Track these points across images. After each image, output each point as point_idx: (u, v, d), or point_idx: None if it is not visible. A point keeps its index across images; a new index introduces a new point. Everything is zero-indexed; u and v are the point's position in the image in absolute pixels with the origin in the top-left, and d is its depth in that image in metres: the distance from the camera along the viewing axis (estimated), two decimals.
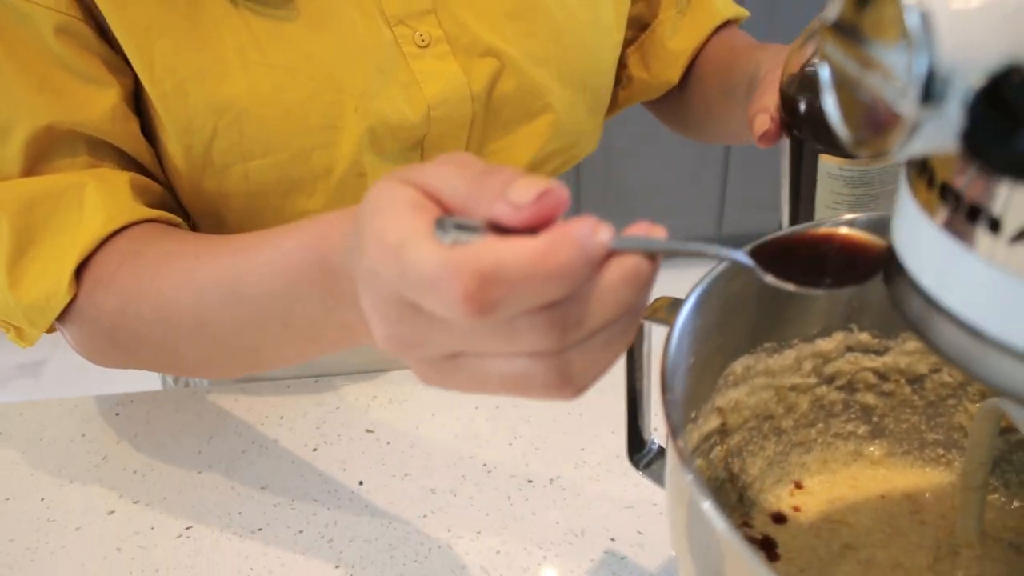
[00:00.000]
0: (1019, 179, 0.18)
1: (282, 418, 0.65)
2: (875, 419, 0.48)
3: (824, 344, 0.44)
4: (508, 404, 0.66)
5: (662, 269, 0.30)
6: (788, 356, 0.44)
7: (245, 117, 0.56)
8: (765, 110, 0.55)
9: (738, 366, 0.42)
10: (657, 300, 0.39)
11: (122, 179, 0.55)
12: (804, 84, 0.50)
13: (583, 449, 0.62)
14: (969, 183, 0.23)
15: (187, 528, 0.57)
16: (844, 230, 0.31)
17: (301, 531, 0.57)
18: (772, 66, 0.58)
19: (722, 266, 0.38)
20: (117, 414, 0.67)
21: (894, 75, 0.20)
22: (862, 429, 0.48)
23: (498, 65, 0.62)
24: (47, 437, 0.66)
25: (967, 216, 0.23)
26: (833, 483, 0.47)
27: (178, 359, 0.54)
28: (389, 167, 0.61)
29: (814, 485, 0.47)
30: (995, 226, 0.23)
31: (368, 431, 0.64)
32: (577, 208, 2.22)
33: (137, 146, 0.57)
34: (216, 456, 0.63)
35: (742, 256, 0.31)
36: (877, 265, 0.30)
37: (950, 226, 0.24)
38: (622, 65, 0.75)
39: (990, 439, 0.40)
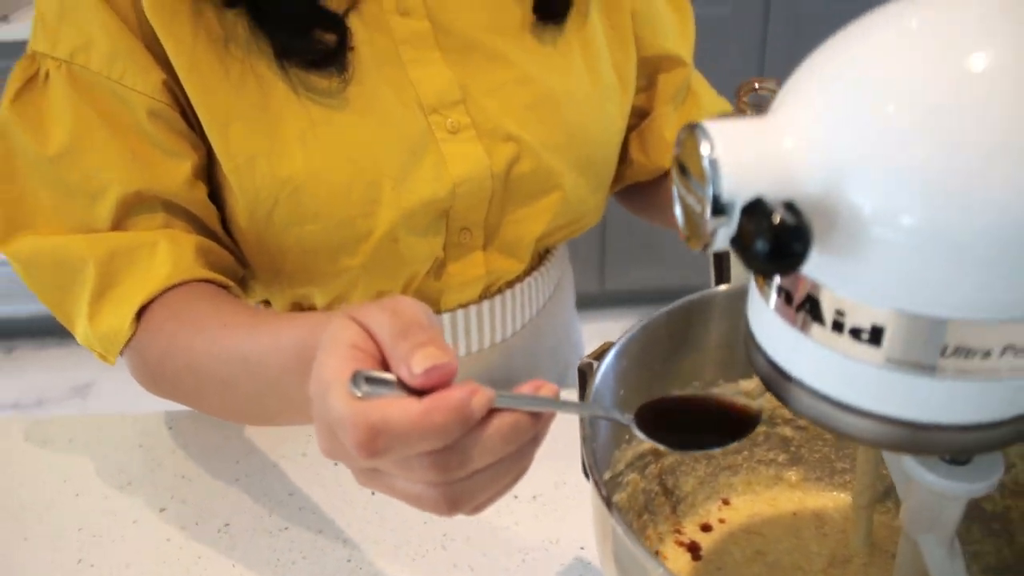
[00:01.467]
0: (764, 275, 0.29)
1: (309, 436, 0.76)
2: (792, 449, 0.57)
3: (746, 384, 0.54)
4: None
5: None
6: (727, 389, 0.54)
7: (302, 190, 0.65)
8: None
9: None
10: (601, 345, 0.49)
11: (189, 241, 0.65)
12: None
13: (563, 471, 0.72)
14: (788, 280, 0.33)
15: (225, 524, 0.68)
16: (721, 395, 0.41)
17: (320, 531, 0.67)
18: None
19: (653, 315, 0.49)
20: (170, 428, 0.79)
21: (701, 197, 0.30)
22: (782, 457, 0.58)
23: (516, 149, 0.71)
24: (111, 445, 0.77)
25: (792, 304, 0.34)
26: (755, 501, 0.57)
27: (207, 407, 0.64)
28: (418, 235, 0.70)
29: (739, 502, 0.57)
30: (816, 315, 0.33)
31: None
32: (602, 250, 2.30)
33: (205, 210, 0.67)
34: (251, 466, 0.74)
35: (622, 417, 0.40)
36: (750, 426, 0.39)
37: (780, 311, 0.34)
38: (624, 148, 0.83)
39: (873, 468, 0.50)
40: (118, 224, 0.64)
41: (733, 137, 0.30)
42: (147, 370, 0.64)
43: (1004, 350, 0.30)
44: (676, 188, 0.33)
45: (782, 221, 0.27)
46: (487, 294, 0.79)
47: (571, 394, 0.68)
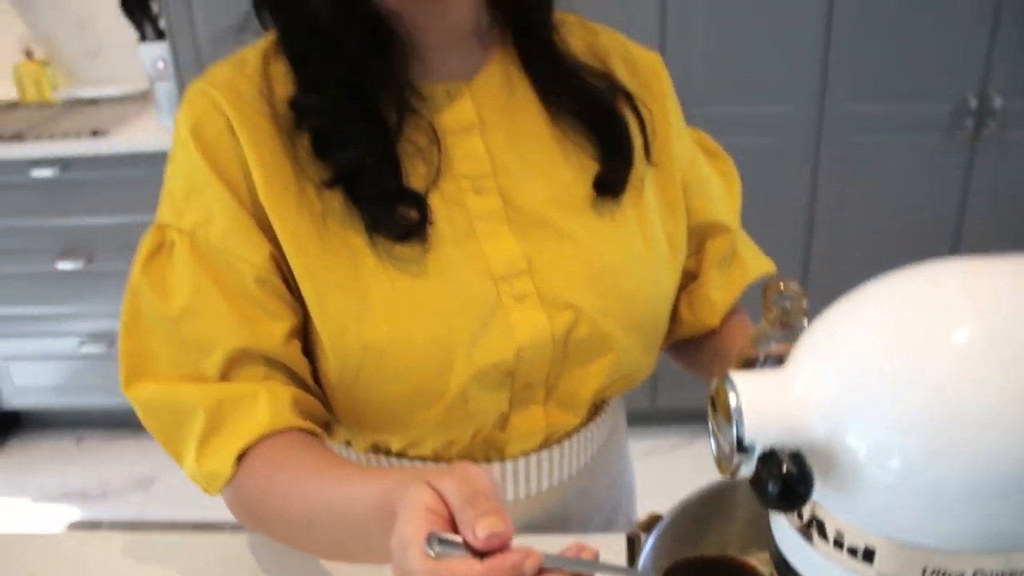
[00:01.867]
0: (779, 511, 0.36)
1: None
2: None
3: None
4: None
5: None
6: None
7: (385, 354, 0.74)
8: None
9: None
10: (648, 516, 0.56)
11: (286, 393, 0.73)
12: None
13: None
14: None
15: None
16: (739, 558, 0.48)
17: None
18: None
19: (692, 495, 0.56)
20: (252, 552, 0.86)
21: (728, 437, 0.38)
22: None
23: (575, 316, 0.78)
24: (194, 567, 0.84)
25: (803, 520, 0.41)
26: None
27: (294, 543, 0.72)
28: (486, 394, 0.77)
29: None
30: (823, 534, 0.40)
31: None
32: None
33: (300, 364, 0.76)
34: None
35: None
36: None
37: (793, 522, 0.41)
38: (674, 307, 0.90)
39: None
40: (225, 375, 0.72)
41: (755, 389, 0.37)
42: (244, 508, 0.72)
43: (974, 573, 0.37)
44: (710, 422, 0.40)
45: (789, 471, 0.35)
46: (547, 444, 0.85)
47: (617, 539, 0.74)
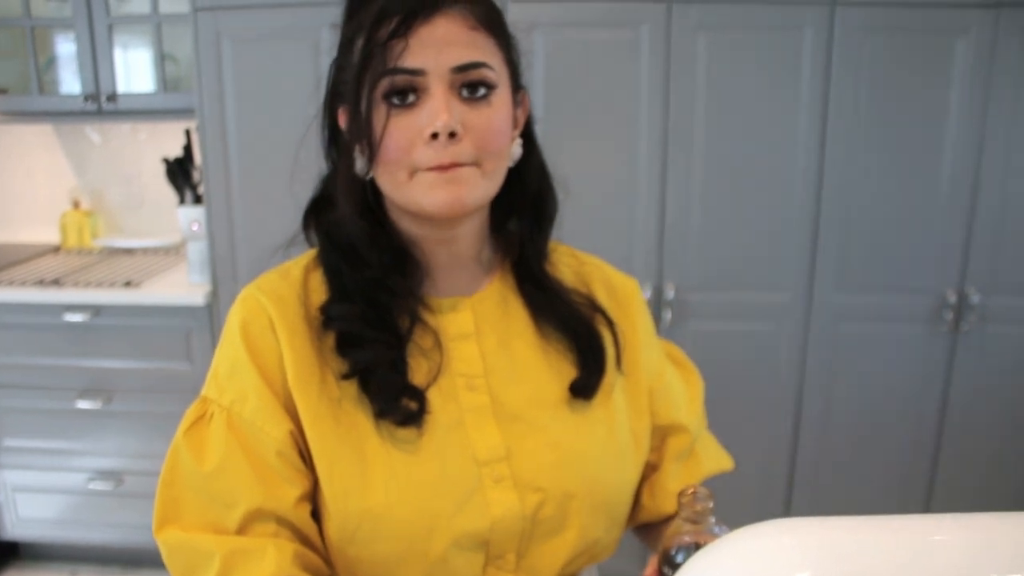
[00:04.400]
0: None
1: None
2: None
3: None
4: None
5: None
6: None
7: (380, 519, 0.85)
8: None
9: None
10: None
11: (290, 549, 0.84)
12: (666, 559, 0.80)
13: None
14: None
15: None
16: None
17: None
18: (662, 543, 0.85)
19: None
20: None
21: None
22: None
23: (542, 498, 0.90)
24: None
25: None
26: None
27: None
28: (463, 558, 0.88)
29: None
30: None
31: None
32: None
33: (307, 525, 0.87)
34: None
35: None
36: None
37: None
38: (637, 494, 1.03)
39: None
40: (242, 529, 0.84)
41: None
42: None
43: None
44: None
45: None
46: None
47: None
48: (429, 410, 0.88)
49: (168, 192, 2.82)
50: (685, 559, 0.74)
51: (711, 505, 0.79)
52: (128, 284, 2.44)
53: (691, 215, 2.23)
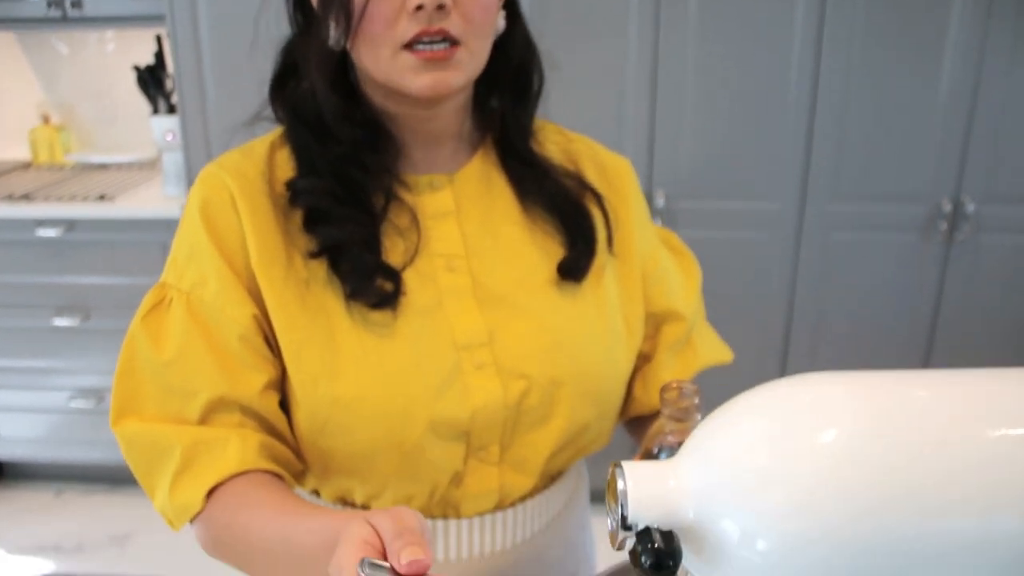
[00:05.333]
0: None
1: None
2: None
3: None
4: None
5: None
6: None
7: (351, 406, 0.81)
8: None
9: None
10: None
11: (255, 439, 0.80)
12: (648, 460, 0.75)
13: None
14: None
15: None
16: None
17: None
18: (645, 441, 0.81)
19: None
20: None
21: (615, 514, 0.43)
22: None
23: (527, 385, 0.85)
24: None
25: None
26: None
27: (253, 571, 0.77)
28: (442, 449, 0.84)
29: None
30: None
31: None
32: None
33: (274, 415, 0.83)
34: None
35: None
36: None
37: None
38: (629, 385, 0.97)
39: None
40: (204, 419, 0.80)
41: (639, 478, 0.43)
42: (210, 538, 0.78)
43: None
44: (607, 501, 0.46)
45: (659, 546, 0.40)
46: (501, 506, 0.91)
47: None
48: (405, 292, 0.83)
49: (141, 104, 2.72)
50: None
51: (697, 402, 0.73)
52: (102, 198, 2.37)
53: (682, 121, 2.17)
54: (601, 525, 1.17)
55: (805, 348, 2.35)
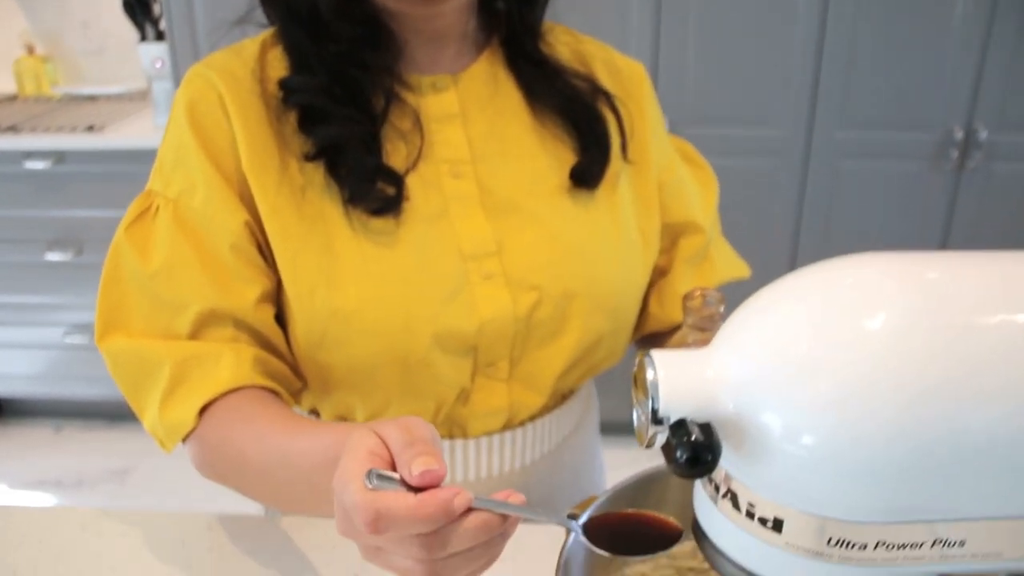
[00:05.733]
0: (687, 477, 0.38)
1: (334, 548, 0.84)
2: None
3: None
4: (506, 557, 0.84)
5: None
6: (687, 546, 0.62)
7: (351, 318, 0.77)
8: None
9: None
10: (588, 499, 0.58)
11: (249, 354, 0.76)
12: None
13: None
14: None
15: None
16: (655, 513, 0.51)
17: None
18: None
19: (623, 481, 0.57)
20: (209, 529, 0.88)
21: (645, 410, 0.40)
22: None
23: (538, 296, 0.81)
24: (155, 540, 0.86)
25: (719, 493, 0.43)
26: None
27: (250, 492, 0.75)
28: (448, 364, 0.80)
29: None
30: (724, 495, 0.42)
31: None
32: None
33: (270, 329, 0.79)
34: (279, 571, 0.82)
35: (575, 527, 0.51)
36: (674, 539, 0.49)
37: (711, 496, 0.43)
38: (644, 300, 0.93)
39: None
40: (194, 334, 0.76)
41: (672, 366, 0.39)
42: (204, 457, 0.75)
43: (877, 544, 0.38)
44: (632, 396, 0.42)
45: (696, 439, 0.37)
46: (510, 425, 0.87)
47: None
48: (407, 197, 0.78)
49: (129, 33, 2.64)
50: None
51: (722, 310, 0.69)
52: (91, 128, 2.30)
53: (687, 45, 2.10)
54: (620, 456, 1.15)
55: None
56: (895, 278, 0.40)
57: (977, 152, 2.16)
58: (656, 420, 0.38)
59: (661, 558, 0.62)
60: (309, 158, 0.77)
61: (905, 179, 2.22)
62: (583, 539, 0.50)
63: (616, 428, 1.40)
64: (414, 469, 0.49)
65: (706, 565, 0.63)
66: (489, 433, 0.86)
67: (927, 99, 2.14)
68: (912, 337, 0.37)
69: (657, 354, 0.39)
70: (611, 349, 0.89)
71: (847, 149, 2.19)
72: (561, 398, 0.92)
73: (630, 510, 0.52)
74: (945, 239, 2.27)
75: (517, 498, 0.50)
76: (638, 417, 0.41)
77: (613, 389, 1.06)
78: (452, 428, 0.85)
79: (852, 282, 0.40)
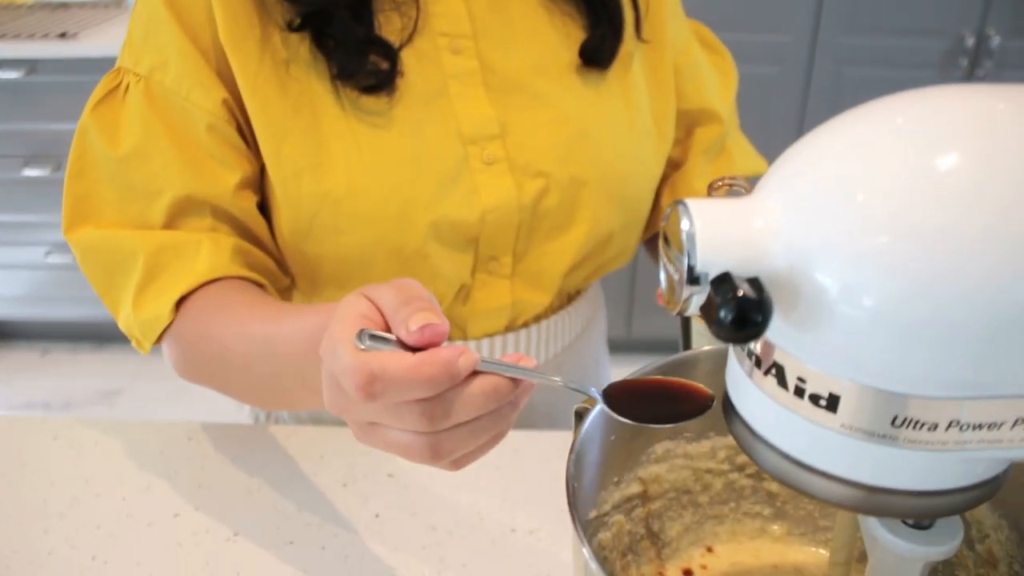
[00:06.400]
0: (731, 341, 0.32)
1: (322, 457, 0.80)
2: (778, 504, 0.60)
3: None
4: (507, 467, 0.79)
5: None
6: (704, 445, 0.57)
7: (341, 203, 0.71)
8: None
9: (659, 448, 0.55)
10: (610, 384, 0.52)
11: (229, 243, 0.70)
12: None
13: (561, 510, 0.74)
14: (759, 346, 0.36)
15: (234, 534, 0.72)
16: (682, 380, 0.44)
17: (323, 548, 0.70)
18: None
19: (644, 368, 0.52)
20: (190, 439, 0.83)
21: (679, 266, 0.33)
22: (767, 511, 0.60)
23: (545, 184, 0.75)
24: (134, 450, 0.81)
25: (762, 368, 0.37)
26: (739, 551, 0.59)
27: (232, 389, 0.69)
28: (447, 255, 0.74)
29: (723, 551, 0.59)
30: (767, 370, 0.36)
31: (390, 475, 0.78)
32: (631, 297, 2.34)
33: (251, 217, 0.72)
34: (264, 480, 0.77)
35: (595, 393, 0.45)
36: (703, 407, 0.43)
37: (751, 374, 0.37)
38: (656, 196, 0.87)
39: (851, 527, 0.52)
40: (170, 223, 0.70)
41: (711, 215, 0.33)
42: (182, 355, 0.69)
43: (949, 424, 0.33)
44: (661, 256, 0.36)
45: (744, 295, 0.31)
46: (513, 326, 0.82)
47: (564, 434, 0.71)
48: (402, 73, 0.71)
49: None
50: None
51: None
52: (63, 36, 2.19)
53: None
54: (617, 369, 1.10)
55: None
56: (976, 112, 0.33)
57: (988, 60, 2.08)
58: (692, 279, 0.32)
59: (677, 459, 0.56)
60: (293, 28, 0.69)
61: (912, 87, 2.14)
62: (603, 405, 0.44)
63: (616, 346, 1.36)
64: (412, 324, 0.42)
65: (725, 466, 0.58)
66: (490, 334, 0.81)
67: (937, 4, 2.04)
68: (989, 174, 0.31)
69: (693, 202, 0.33)
70: (622, 246, 0.83)
71: (852, 56, 2.11)
72: (567, 298, 0.87)
73: (655, 377, 0.46)
74: None
75: (528, 362, 0.44)
76: (668, 277, 0.35)
77: (606, 305, 1.00)
78: (451, 328, 0.79)
79: (924, 117, 0.34)
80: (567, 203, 0.76)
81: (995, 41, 2.06)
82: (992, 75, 2.10)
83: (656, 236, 0.91)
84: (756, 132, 2.21)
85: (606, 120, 0.77)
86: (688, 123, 0.86)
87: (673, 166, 0.87)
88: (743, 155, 0.90)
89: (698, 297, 0.33)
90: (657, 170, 0.83)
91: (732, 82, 0.91)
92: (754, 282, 0.31)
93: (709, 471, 0.58)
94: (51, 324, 2.64)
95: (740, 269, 0.33)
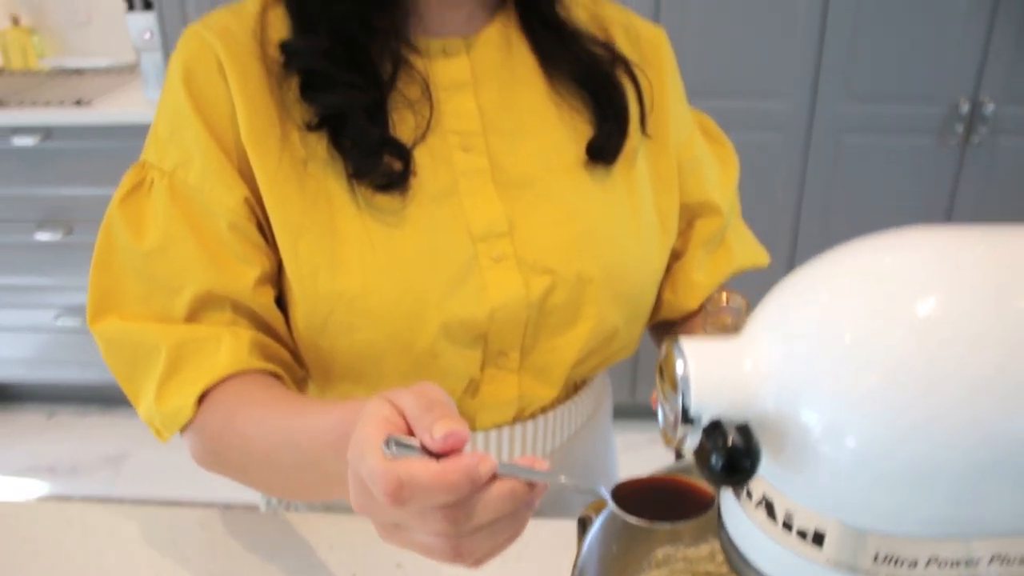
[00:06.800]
0: (722, 485, 0.34)
1: (331, 547, 0.81)
2: None
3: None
4: (514, 557, 0.80)
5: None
6: (703, 549, 0.58)
7: (355, 302, 0.73)
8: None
9: (659, 552, 0.57)
10: (598, 501, 0.54)
11: (248, 337, 0.72)
12: None
13: None
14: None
15: None
16: (686, 478, 0.47)
17: None
18: None
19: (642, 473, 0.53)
20: (202, 527, 0.84)
21: (674, 406, 0.36)
22: None
23: (552, 281, 0.76)
24: (146, 537, 0.82)
25: (752, 501, 0.39)
26: None
27: (253, 479, 0.70)
28: (457, 352, 0.76)
29: None
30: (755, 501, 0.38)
31: (398, 566, 0.79)
32: (635, 362, 2.34)
33: (269, 312, 0.74)
34: (277, 568, 0.78)
35: (604, 493, 0.47)
36: (707, 506, 0.45)
37: (743, 504, 0.39)
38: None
39: None
40: (191, 317, 0.72)
41: (703, 358, 0.35)
42: (204, 447, 0.71)
43: (928, 561, 0.35)
44: (657, 390, 0.38)
45: (734, 443, 0.33)
46: (520, 417, 0.83)
47: (568, 523, 0.73)
48: (415, 172, 0.74)
49: (117, 3, 2.57)
50: None
51: (747, 318, 0.64)
52: (79, 103, 2.24)
53: (688, 14, 2.05)
54: (623, 441, 1.11)
55: (812, 255, 2.28)
56: (956, 257, 0.36)
57: (982, 126, 2.12)
58: (686, 419, 0.35)
59: (677, 563, 0.58)
60: (311, 128, 0.72)
61: (909, 154, 2.18)
62: (612, 505, 0.46)
63: (620, 411, 1.37)
64: (436, 432, 0.45)
65: (724, 569, 0.60)
66: (498, 425, 0.82)
67: (932, 72, 2.09)
68: (975, 321, 0.34)
69: (687, 343, 0.35)
70: (626, 340, 0.84)
71: (850, 123, 2.14)
72: (574, 389, 0.88)
73: (661, 475, 0.48)
74: (949, 216, 2.24)
75: (542, 465, 0.46)
76: (665, 415, 0.37)
77: (611, 371, 1.02)
78: None
79: (901, 261, 0.36)
80: (573, 300, 0.78)
81: (989, 108, 2.10)
82: (987, 141, 2.14)
83: (657, 325, 0.93)
84: (758, 198, 2.26)
85: (612, 217, 0.79)
86: (689, 216, 0.88)
87: (673, 256, 0.89)
88: (742, 247, 0.92)
89: (692, 437, 0.35)
90: (660, 265, 0.84)
91: (733, 172, 0.93)
92: (743, 429, 0.34)
93: (708, 574, 0.59)
94: (58, 387, 2.66)
95: (731, 413, 0.35)
